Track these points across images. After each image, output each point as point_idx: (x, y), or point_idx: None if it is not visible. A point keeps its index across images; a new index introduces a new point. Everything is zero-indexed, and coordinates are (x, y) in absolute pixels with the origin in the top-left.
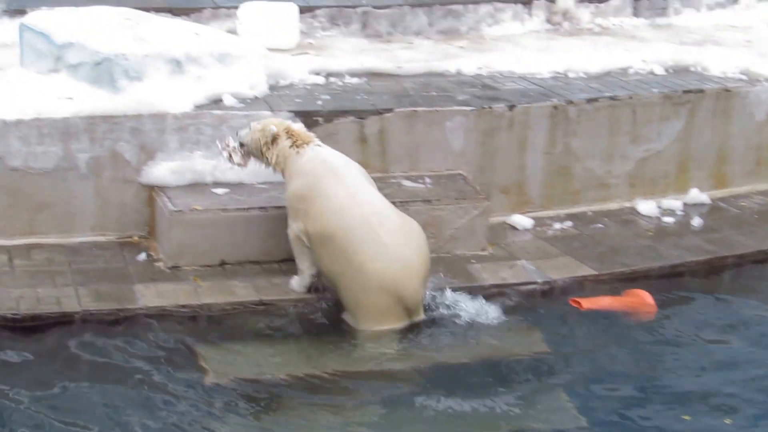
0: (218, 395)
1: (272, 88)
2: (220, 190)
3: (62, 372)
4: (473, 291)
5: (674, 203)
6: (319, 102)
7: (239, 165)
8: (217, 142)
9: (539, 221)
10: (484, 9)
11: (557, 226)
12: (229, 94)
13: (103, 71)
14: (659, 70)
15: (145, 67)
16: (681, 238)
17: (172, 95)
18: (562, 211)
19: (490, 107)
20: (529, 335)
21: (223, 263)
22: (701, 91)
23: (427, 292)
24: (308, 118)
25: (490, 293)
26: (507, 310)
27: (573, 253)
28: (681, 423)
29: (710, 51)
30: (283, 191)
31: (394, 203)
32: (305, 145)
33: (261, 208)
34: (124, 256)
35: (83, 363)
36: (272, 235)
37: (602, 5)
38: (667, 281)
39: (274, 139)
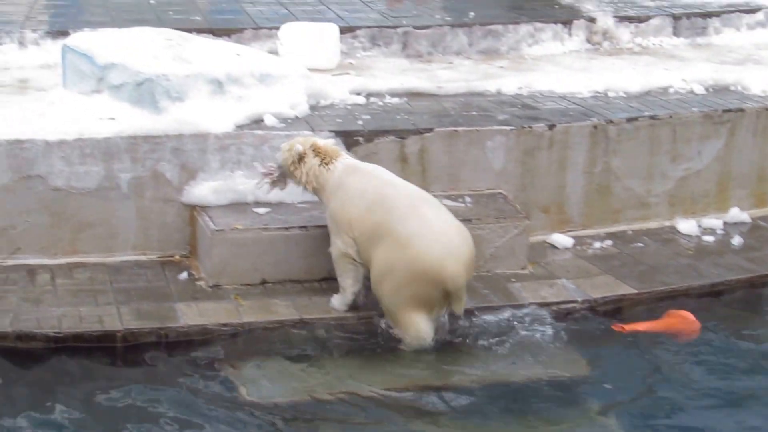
0: (258, 414)
1: (313, 108)
2: (261, 210)
3: (102, 389)
4: (513, 310)
5: (714, 222)
6: (360, 122)
7: (280, 188)
8: (257, 166)
9: (579, 240)
10: (524, 29)
11: (597, 245)
12: (270, 114)
13: (145, 92)
14: (699, 90)
15: (186, 88)
16: (721, 256)
17: (213, 115)
18: (602, 230)
19: (530, 127)
20: (570, 356)
21: (264, 282)
22: (741, 110)
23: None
24: (349, 138)
25: (531, 312)
26: (547, 330)
27: (613, 272)
28: None
29: (750, 70)
30: (322, 210)
31: None
32: (333, 161)
33: (302, 227)
34: (165, 275)
35: (123, 381)
36: (313, 254)
37: (642, 25)
38: (708, 300)
39: (301, 158)
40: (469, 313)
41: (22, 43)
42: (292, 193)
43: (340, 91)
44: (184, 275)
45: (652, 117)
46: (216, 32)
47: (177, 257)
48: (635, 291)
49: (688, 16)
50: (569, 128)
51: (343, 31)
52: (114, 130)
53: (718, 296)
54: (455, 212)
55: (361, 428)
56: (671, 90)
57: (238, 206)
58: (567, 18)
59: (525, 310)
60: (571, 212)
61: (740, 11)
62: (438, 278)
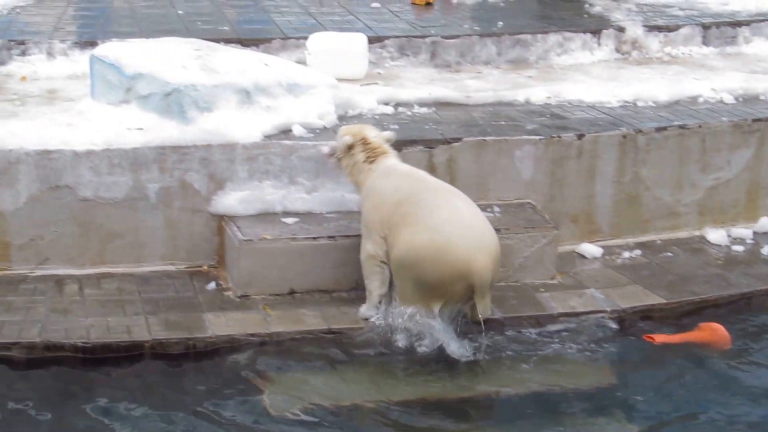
0: (286, 425)
1: (341, 118)
2: (289, 220)
3: (130, 399)
4: (542, 320)
5: (744, 232)
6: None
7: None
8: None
9: (608, 250)
10: (552, 38)
11: (626, 254)
12: (299, 124)
13: (173, 102)
14: (729, 99)
15: (214, 98)
16: (751, 266)
17: (241, 125)
18: (632, 240)
19: (559, 136)
20: (598, 366)
21: (292, 292)
22: None
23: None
24: None
25: (559, 322)
26: (575, 340)
27: (642, 282)
28: None
29: None
30: (351, 220)
31: None
32: (377, 160)
33: (330, 237)
34: (193, 285)
35: (151, 391)
36: (341, 264)
37: (671, 34)
38: (737, 310)
39: (350, 148)
40: (498, 323)
41: (50, 54)
42: (320, 203)
43: (369, 100)
44: (212, 285)
45: (681, 126)
46: (244, 42)
47: (205, 267)
48: (664, 301)
49: (718, 25)
50: (598, 138)
51: (372, 41)
52: (142, 141)
53: (748, 306)
54: None
55: None
56: (701, 99)
57: (267, 216)
58: (596, 27)
59: (553, 320)
60: (600, 222)
61: None
62: (465, 269)
